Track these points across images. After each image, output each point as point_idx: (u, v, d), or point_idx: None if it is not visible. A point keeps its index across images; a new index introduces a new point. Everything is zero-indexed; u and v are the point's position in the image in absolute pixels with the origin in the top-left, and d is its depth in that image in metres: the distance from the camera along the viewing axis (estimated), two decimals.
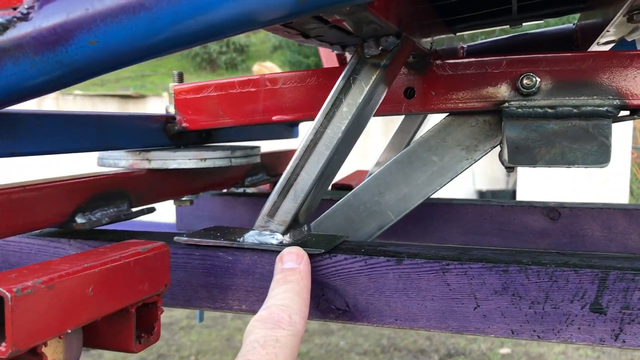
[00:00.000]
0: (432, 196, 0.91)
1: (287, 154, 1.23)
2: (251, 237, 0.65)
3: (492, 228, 1.03)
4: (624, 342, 0.56)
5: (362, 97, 0.62)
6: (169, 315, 3.80)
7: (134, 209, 0.79)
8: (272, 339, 0.50)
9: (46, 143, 0.65)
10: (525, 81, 0.74)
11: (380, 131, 6.31)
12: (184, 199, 0.93)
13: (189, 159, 0.84)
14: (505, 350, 3.45)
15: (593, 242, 0.97)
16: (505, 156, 0.78)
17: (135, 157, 0.84)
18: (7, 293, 0.41)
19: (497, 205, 1.03)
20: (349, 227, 0.88)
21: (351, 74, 0.62)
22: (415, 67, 0.79)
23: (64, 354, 0.53)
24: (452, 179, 0.85)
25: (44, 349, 0.45)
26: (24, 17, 0.45)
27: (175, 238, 0.67)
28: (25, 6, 0.45)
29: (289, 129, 1.36)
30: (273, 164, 1.20)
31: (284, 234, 0.65)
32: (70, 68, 0.46)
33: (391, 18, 0.56)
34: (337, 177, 1.24)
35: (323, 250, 0.62)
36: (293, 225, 0.66)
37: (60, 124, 0.68)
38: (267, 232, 0.65)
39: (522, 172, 6.17)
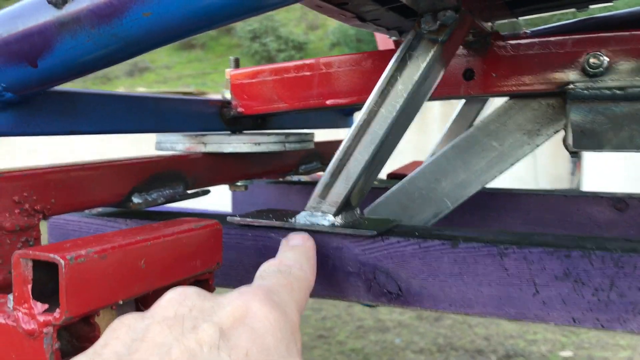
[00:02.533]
0: (492, 185, 0.88)
1: (336, 144, 1.22)
2: (303, 218, 0.65)
3: (554, 219, 0.99)
4: None
5: (418, 74, 0.60)
6: None
7: (189, 191, 0.80)
8: (286, 271, 0.52)
9: (105, 122, 0.66)
10: (592, 60, 0.71)
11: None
12: (238, 184, 0.93)
13: (244, 143, 0.84)
14: (567, 354, 3.32)
15: None
16: (570, 140, 0.74)
17: (191, 141, 0.85)
18: (61, 260, 0.41)
19: (560, 195, 0.98)
20: (403, 214, 0.86)
21: (407, 49, 0.60)
22: (475, 47, 0.77)
23: None
24: (512, 165, 0.82)
25: (96, 319, 0.46)
26: None
27: (228, 218, 0.67)
28: None
29: (343, 118, 1.35)
30: (327, 152, 1.20)
31: (335, 215, 0.64)
32: (125, 41, 0.47)
33: None
34: (393, 167, 1.22)
35: (375, 233, 0.61)
36: (345, 207, 0.65)
37: (120, 104, 0.69)
38: (319, 213, 0.64)
39: (587, 170, 5.94)
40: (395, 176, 1.20)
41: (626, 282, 0.54)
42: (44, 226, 0.63)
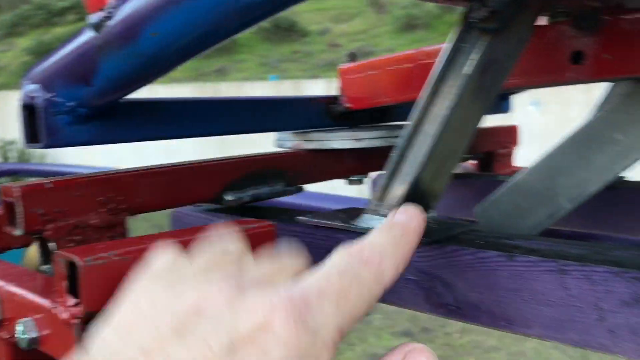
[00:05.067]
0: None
1: (483, 131, 1.14)
2: (363, 221, 0.63)
3: None
4: None
5: (470, 68, 0.54)
6: None
7: (286, 189, 0.82)
8: (353, 272, 0.41)
9: (188, 127, 0.72)
10: None
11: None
12: (353, 178, 0.93)
13: (346, 140, 0.84)
14: None
15: None
16: None
17: (298, 138, 0.87)
18: (79, 262, 0.47)
19: None
20: (515, 215, 0.79)
21: (456, 42, 0.55)
22: (582, 26, 0.66)
23: None
24: (637, 160, 0.69)
25: None
26: (109, 17, 0.51)
27: (296, 218, 0.69)
28: (110, 6, 0.51)
29: (499, 103, 1.25)
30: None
31: None
32: (147, 59, 0.51)
33: None
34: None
35: (428, 239, 0.57)
36: None
37: (208, 108, 0.75)
38: (378, 217, 0.62)
39: None
40: None
41: None
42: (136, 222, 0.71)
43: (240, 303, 0.36)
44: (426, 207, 0.64)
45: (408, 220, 0.48)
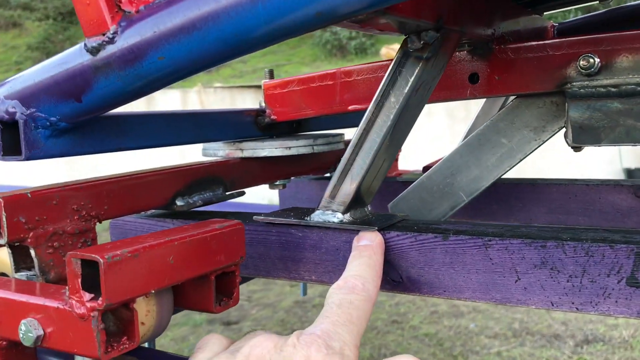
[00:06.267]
0: (518, 176, 0.93)
1: None
2: (316, 216, 0.74)
3: (577, 207, 1.03)
4: None
5: (407, 88, 0.68)
6: None
7: (227, 193, 0.91)
8: (347, 301, 0.59)
9: (147, 138, 0.78)
10: (582, 62, 0.75)
11: None
12: (277, 183, 1.03)
13: (276, 148, 0.94)
14: None
15: None
16: (570, 136, 0.79)
17: (230, 147, 0.96)
18: (100, 259, 0.53)
19: (582, 184, 1.02)
20: (423, 208, 0.93)
21: (397, 66, 0.68)
22: (478, 53, 0.83)
23: (156, 310, 0.65)
24: (520, 160, 0.87)
25: (134, 305, 0.58)
26: (110, 41, 0.57)
27: (254, 217, 0.78)
28: (111, 31, 0.57)
29: None
30: None
31: (344, 212, 0.73)
32: (146, 80, 0.58)
33: (425, 16, 0.61)
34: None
35: (375, 228, 0.69)
36: (353, 206, 0.74)
37: (160, 122, 0.81)
38: (330, 212, 0.73)
39: None
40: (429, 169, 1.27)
41: (596, 269, 0.60)
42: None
43: (284, 353, 0.52)
44: (366, 202, 0.77)
45: (370, 242, 0.67)
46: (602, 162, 6.42)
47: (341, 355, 0.52)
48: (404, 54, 0.68)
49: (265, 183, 1.00)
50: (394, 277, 0.71)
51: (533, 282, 0.63)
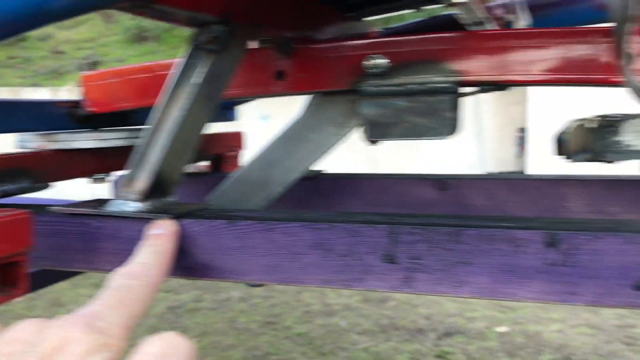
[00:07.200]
0: (337, 170, 0.98)
1: (215, 136, 1.32)
2: (112, 206, 0.75)
3: (390, 200, 1.11)
4: (414, 288, 0.64)
5: (198, 79, 0.70)
6: (176, 299, 3.93)
7: (36, 185, 0.89)
8: (125, 285, 0.60)
9: None
10: (371, 62, 0.82)
11: None
12: (97, 176, 1.02)
13: (90, 140, 0.93)
14: (503, 329, 3.50)
15: (477, 210, 1.05)
16: (364, 132, 0.86)
17: (43, 139, 0.94)
18: None
19: (392, 178, 1.10)
20: (240, 199, 0.97)
21: (188, 58, 0.71)
22: (283, 51, 0.87)
23: None
24: (325, 153, 0.93)
25: None
26: None
27: (51, 207, 0.77)
28: None
29: (226, 112, 1.45)
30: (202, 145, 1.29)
31: (142, 201, 0.74)
32: None
33: (207, 9, 0.64)
34: None
35: (169, 216, 0.71)
36: (153, 195, 0.75)
37: None
38: (126, 201, 0.74)
39: (531, 153, 6.29)
40: None
41: (361, 248, 0.65)
42: None
43: (43, 339, 0.50)
44: (168, 192, 0.78)
45: (163, 230, 0.69)
46: (465, 167, 6.88)
47: (102, 333, 0.52)
48: (195, 47, 0.71)
49: (83, 176, 0.99)
50: (186, 263, 0.73)
51: (310, 263, 0.68)
